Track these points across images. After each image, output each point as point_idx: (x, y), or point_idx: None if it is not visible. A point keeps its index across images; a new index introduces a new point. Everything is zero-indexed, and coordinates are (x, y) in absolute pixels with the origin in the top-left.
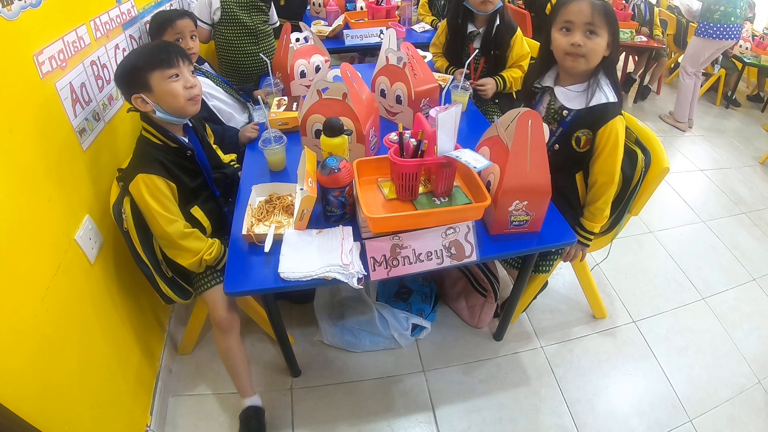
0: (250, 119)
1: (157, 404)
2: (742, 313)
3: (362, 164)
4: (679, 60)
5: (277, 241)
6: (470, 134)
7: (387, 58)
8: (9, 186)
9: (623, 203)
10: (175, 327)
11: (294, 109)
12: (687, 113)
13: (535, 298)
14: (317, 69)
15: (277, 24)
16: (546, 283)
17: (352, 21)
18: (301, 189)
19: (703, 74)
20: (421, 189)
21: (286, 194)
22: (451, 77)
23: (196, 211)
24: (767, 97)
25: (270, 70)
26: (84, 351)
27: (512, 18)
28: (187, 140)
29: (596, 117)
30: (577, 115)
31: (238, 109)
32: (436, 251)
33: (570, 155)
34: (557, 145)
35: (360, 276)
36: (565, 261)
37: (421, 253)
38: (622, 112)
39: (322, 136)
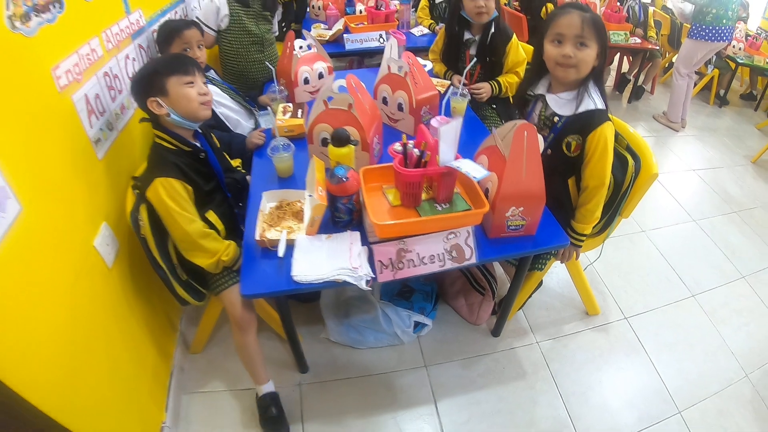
0: (257, 125)
1: (171, 402)
2: (731, 310)
3: (368, 172)
4: (674, 60)
5: (289, 246)
6: (468, 140)
7: (389, 67)
8: (34, 196)
9: (614, 207)
10: (186, 327)
11: (299, 115)
12: (680, 113)
13: (530, 296)
14: (320, 76)
15: (277, 33)
16: (541, 282)
17: (352, 25)
18: (310, 196)
19: (697, 74)
20: (423, 196)
21: (295, 200)
22: (449, 83)
23: (211, 215)
24: (760, 96)
25: (274, 78)
26: (107, 352)
27: (508, 22)
28: (198, 144)
29: (584, 123)
30: (567, 121)
31: (244, 115)
32: (439, 254)
33: (562, 159)
34: (549, 150)
35: (368, 278)
36: (559, 262)
37: (424, 257)
38: (612, 117)
39: (330, 146)
